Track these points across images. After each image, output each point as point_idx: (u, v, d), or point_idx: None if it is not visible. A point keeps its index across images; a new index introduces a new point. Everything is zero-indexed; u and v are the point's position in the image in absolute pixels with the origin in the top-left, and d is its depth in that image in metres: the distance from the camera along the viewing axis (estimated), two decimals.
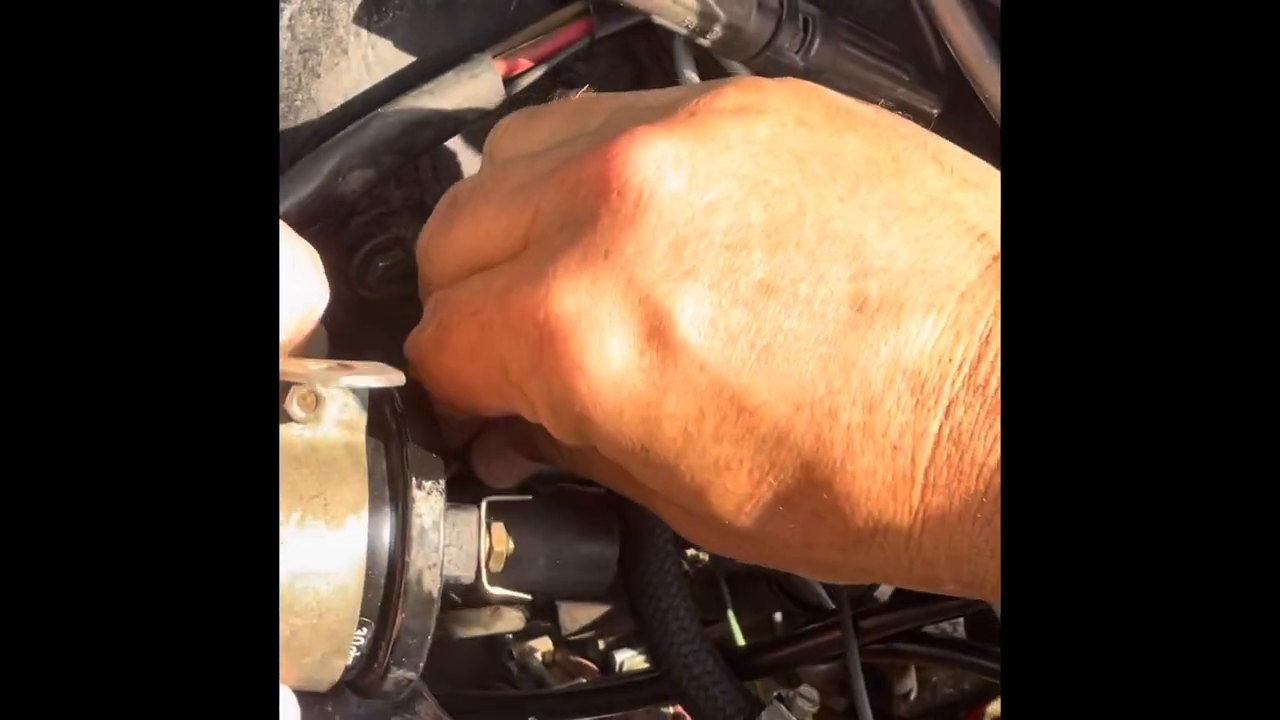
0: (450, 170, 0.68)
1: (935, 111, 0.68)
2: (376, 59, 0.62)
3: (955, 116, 0.68)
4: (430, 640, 0.51)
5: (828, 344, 0.47)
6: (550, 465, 0.60)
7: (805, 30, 0.62)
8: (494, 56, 0.62)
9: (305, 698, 0.56)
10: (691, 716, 0.68)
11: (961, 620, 0.77)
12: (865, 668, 0.75)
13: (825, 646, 0.69)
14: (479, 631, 0.80)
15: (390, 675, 0.51)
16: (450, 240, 0.54)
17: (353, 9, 0.60)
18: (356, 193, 0.61)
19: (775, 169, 0.49)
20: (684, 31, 0.61)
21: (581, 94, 0.58)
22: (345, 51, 0.61)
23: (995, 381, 0.46)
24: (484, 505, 0.54)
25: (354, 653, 0.50)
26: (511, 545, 0.55)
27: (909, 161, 0.50)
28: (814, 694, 0.66)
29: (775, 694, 0.66)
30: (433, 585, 0.50)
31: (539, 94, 0.64)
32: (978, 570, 0.48)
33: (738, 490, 0.49)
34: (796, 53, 0.63)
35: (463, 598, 0.56)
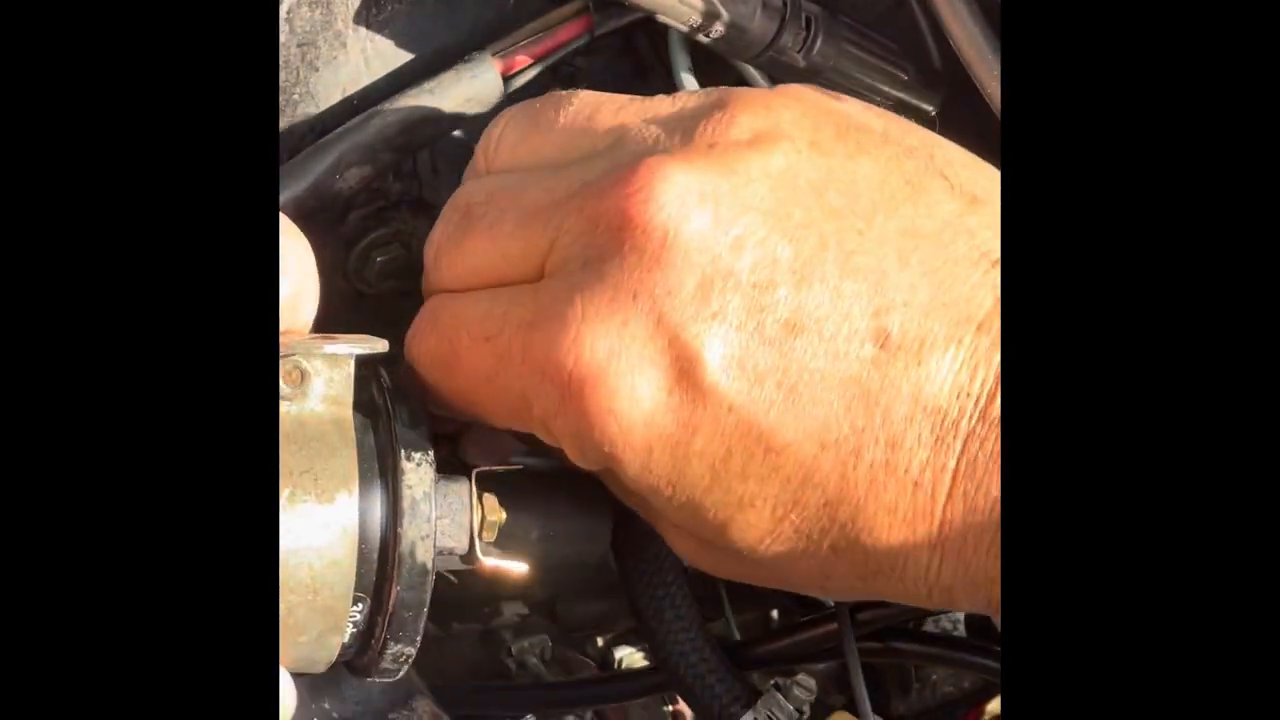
0: (450, 166, 0.68)
1: (933, 110, 0.68)
2: (375, 53, 0.62)
3: (953, 115, 0.68)
4: (426, 613, 0.51)
5: (852, 383, 0.47)
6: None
7: (808, 29, 0.62)
8: (493, 53, 0.62)
9: (303, 693, 0.56)
10: (689, 705, 0.68)
11: (961, 617, 0.77)
12: (863, 667, 0.75)
13: (822, 639, 0.69)
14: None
15: (388, 650, 0.51)
16: (463, 252, 0.54)
17: (352, 3, 0.60)
18: (354, 189, 0.61)
19: (795, 202, 0.49)
20: (686, 29, 0.61)
21: (581, 95, 0.57)
22: (344, 45, 0.61)
23: None
24: (474, 476, 0.54)
25: (350, 629, 0.50)
26: (503, 515, 0.55)
27: (920, 183, 0.50)
28: (811, 682, 0.66)
29: (772, 682, 0.66)
30: (426, 557, 0.50)
31: (538, 91, 0.64)
32: (994, 595, 0.48)
33: (760, 526, 0.49)
34: (799, 52, 0.63)
35: (457, 575, 0.56)
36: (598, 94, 0.56)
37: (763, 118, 0.51)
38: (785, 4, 0.62)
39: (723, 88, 0.54)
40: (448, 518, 0.53)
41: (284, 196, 0.60)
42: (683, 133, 0.51)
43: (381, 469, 0.50)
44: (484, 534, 0.54)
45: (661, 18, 0.60)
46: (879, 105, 0.57)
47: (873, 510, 0.48)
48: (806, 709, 0.66)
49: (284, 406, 0.48)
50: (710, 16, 0.60)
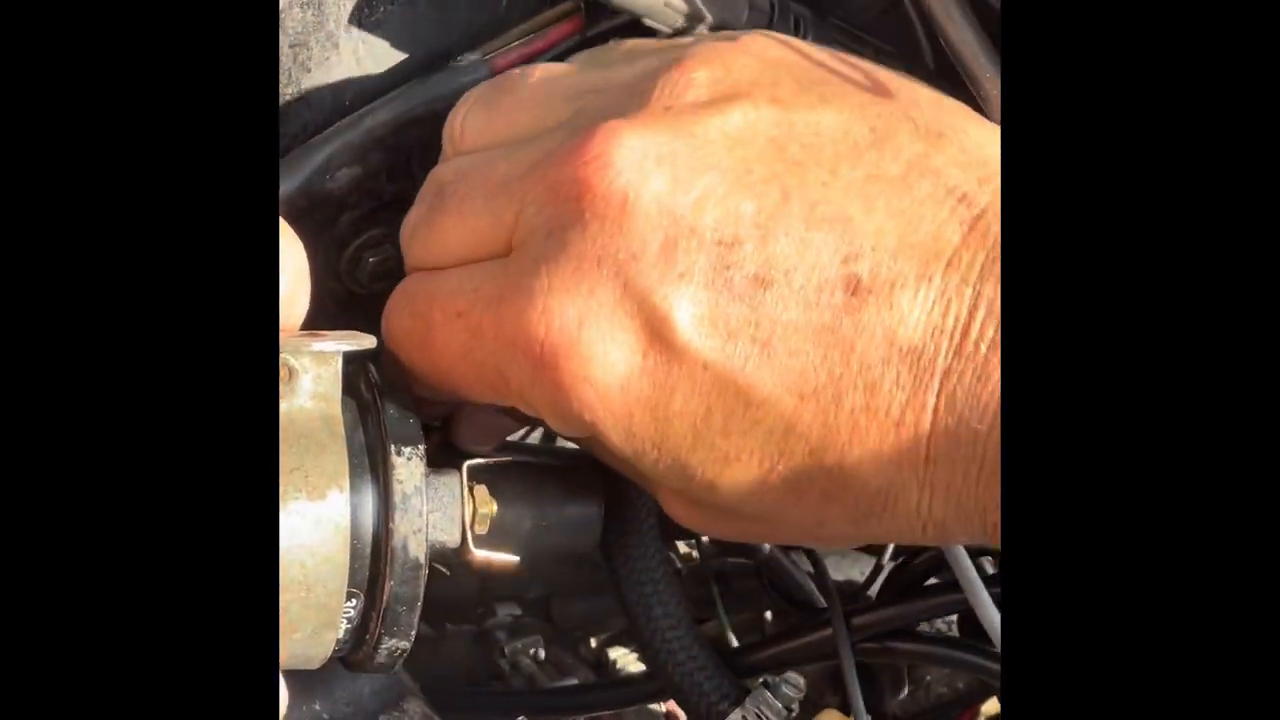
0: None
1: None
2: (367, 54, 0.62)
3: None
4: (420, 607, 0.51)
5: (826, 331, 0.48)
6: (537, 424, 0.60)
7: (796, 31, 0.62)
8: (485, 54, 0.62)
9: (293, 693, 0.56)
10: (678, 703, 0.68)
11: (955, 619, 0.77)
12: (858, 667, 0.75)
13: (818, 644, 0.69)
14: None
15: (382, 645, 0.51)
16: (435, 230, 0.54)
17: (344, 4, 0.60)
18: (344, 189, 0.61)
19: (755, 159, 0.49)
20: (670, 32, 0.61)
21: (539, 69, 0.57)
22: (336, 46, 0.61)
23: (983, 347, 0.47)
24: (465, 469, 0.54)
25: (344, 625, 0.50)
26: (494, 507, 0.55)
27: (884, 129, 0.50)
28: (800, 680, 0.66)
29: (761, 680, 0.66)
30: (419, 551, 0.50)
31: None
32: (988, 523, 0.48)
33: (748, 480, 0.50)
34: None
35: (450, 568, 0.56)
36: (555, 65, 0.57)
37: (720, 75, 0.51)
38: (773, 6, 0.62)
39: (681, 43, 0.55)
40: (439, 511, 0.53)
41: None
42: (639, 96, 0.51)
43: (372, 464, 0.50)
44: (476, 526, 0.54)
45: (648, 21, 0.60)
46: None
47: (858, 454, 0.48)
48: (795, 707, 0.66)
49: None
50: (695, 19, 0.60)
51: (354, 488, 0.49)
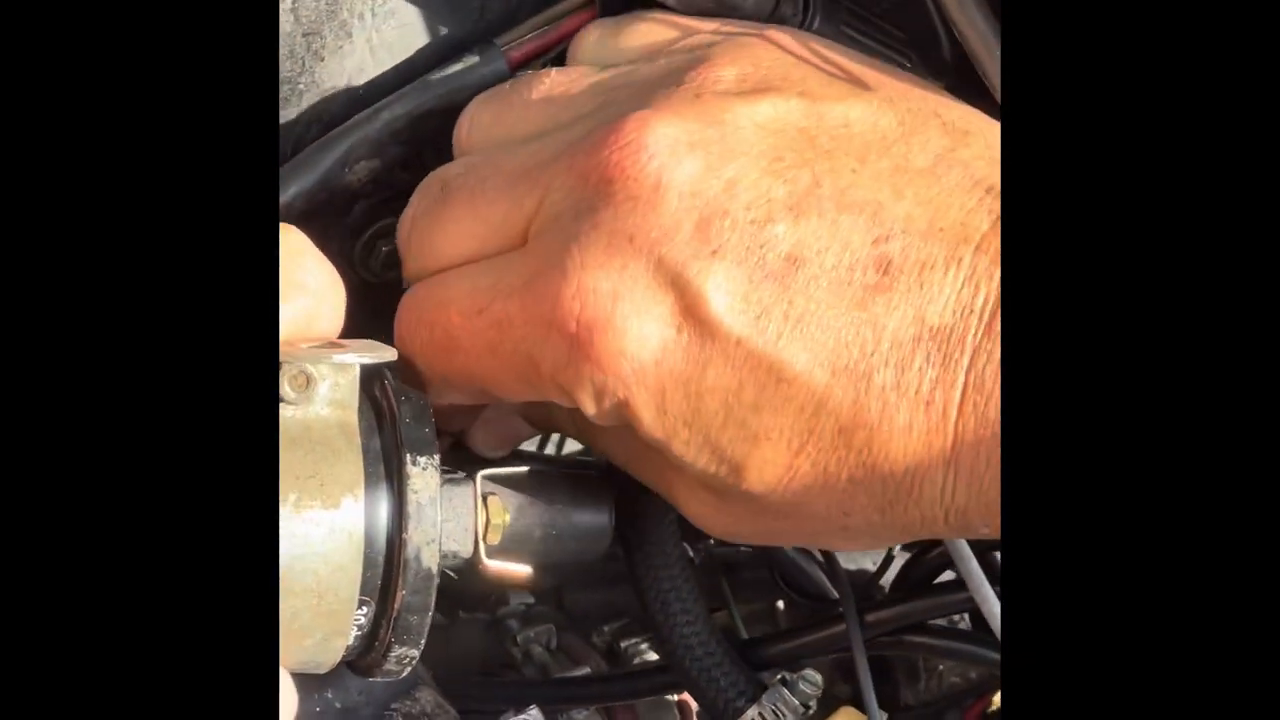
0: None
1: None
2: (381, 43, 0.62)
3: None
4: (430, 617, 0.50)
5: (858, 308, 0.48)
6: (557, 431, 0.60)
7: (806, 10, 0.62)
8: (501, 44, 0.62)
9: (305, 683, 0.56)
10: (694, 698, 0.68)
11: (966, 615, 0.77)
12: (871, 657, 0.75)
13: (831, 639, 0.69)
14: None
15: (392, 653, 0.51)
16: (440, 225, 0.54)
17: None
18: (362, 181, 0.61)
19: (785, 147, 0.50)
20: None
21: (555, 70, 0.57)
22: (349, 35, 0.61)
23: None
24: (479, 479, 0.54)
25: (355, 632, 0.50)
26: (507, 517, 0.55)
27: (913, 123, 0.51)
28: (818, 678, 0.66)
29: (779, 676, 0.66)
30: (431, 562, 0.49)
31: None
32: None
33: (777, 460, 0.50)
34: None
35: (460, 573, 0.56)
36: (570, 69, 0.57)
37: (749, 70, 0.52)
38: None
39: (703, 39, 0.55)
40: (452, 521, 0.54)
41: (293, 190, 0.59)
42: (666, 87, 0.52)
43: (387, 471, 0.50)
44: (488, 537, 0.54)
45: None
46: None
47: (887, 433, 0.48)
48: (813, 704, 0.66)
49: (289, 411, 0.48)
50: None
51: (368, 496, 0.49)
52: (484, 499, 0.55)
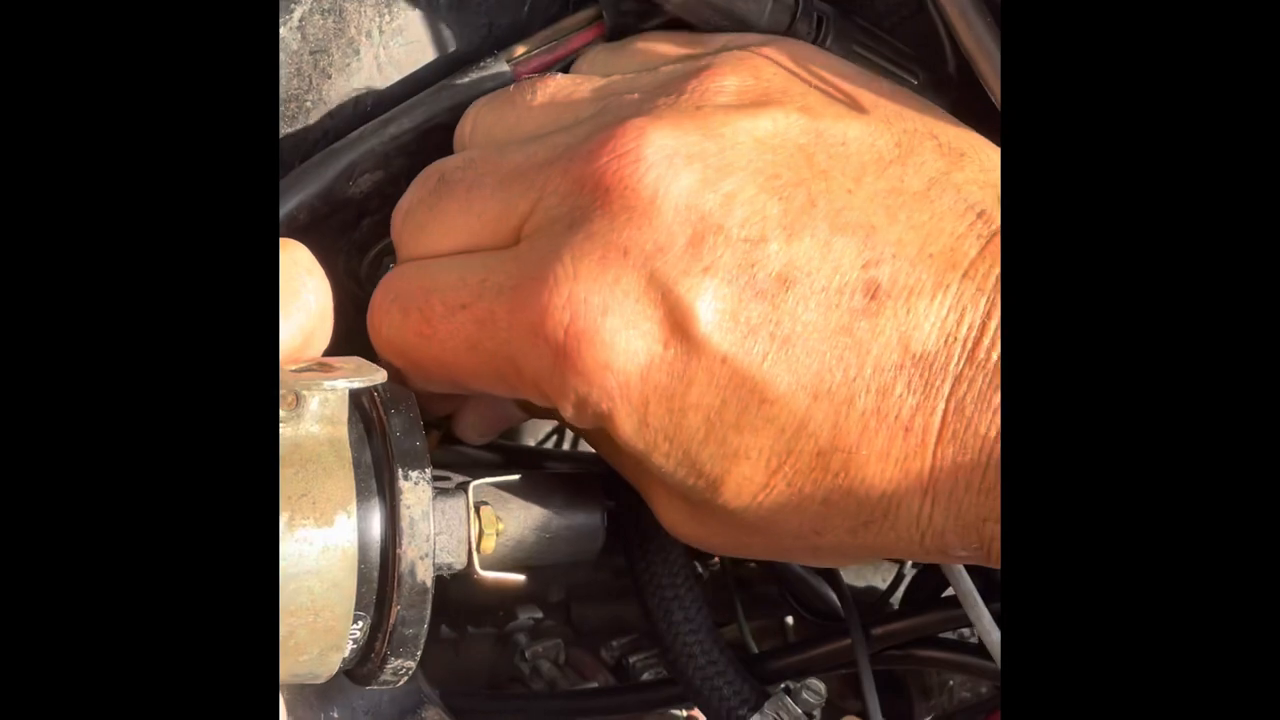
0: None
1: None
2: (388, 60, 0.61)
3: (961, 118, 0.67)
4: (426, 629, 0.50)
5: (843, 333, 0.48)
6: (546, 419, 0.60)
7: (818, 29, 0.62)
8: (507, 60, 0.61)
9: (310, 701, 0.56)
10: (698, 707, 0.68)
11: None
12: (884, 673, 0.75)
13: (839, 652, 0.69)
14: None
15: (388, 665, 0.51)
16: (434, 215, 0.54)
17: (365, 10, 0.60)
18: (366, 194, 0.61)
19: (783, 164, 0.50)
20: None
21: (558, 76, 0.57)
22: (356, 52, 0.61)
23: (995, 355, 0.47)
24: (471, 489, 0.54)
25: (351, 645, 0.50)
26: (501, 526, 0.55)
27: (909, 144, 0.51)
28: (821, 687, 0.66)
29: (782, 685, 0.66)
30: (426, 575, 0.50)
31: None
32: (984, 535, 0.49)
33: (755, 479, 0.50)
34: None
35: (461, 585, 0.56)
36: (574, 75, 0.57)
37: (750, 82, 0.52)
38: (797, 1, 0.61)
39: (704, 50, 0.55)
40: (446, 534, 0.53)
41: (295, 201, 0.59)
42: (668, 95, 0.52)
43: (379, 485, 0.50)
44: (482, 546, 0.54)
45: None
46: None
47: (864, 457, 0.48)
48: (817, 714, 0.65)
49: (280, 429, 0.48)
50: (722, 13, 0.59)
51: (361, 512, 0.49)
52: (477, 509, 0.54)
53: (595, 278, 0.49)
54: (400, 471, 0.50)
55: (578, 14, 0.62)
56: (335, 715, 0.58)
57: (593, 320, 0.48)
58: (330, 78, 0.60)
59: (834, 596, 0.74)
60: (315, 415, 0.49)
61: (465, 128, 0.58)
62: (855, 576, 0.82)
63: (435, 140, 0.61)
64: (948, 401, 0.48)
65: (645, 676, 0.79)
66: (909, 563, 0.79)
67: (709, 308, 0.48)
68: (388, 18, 0.61)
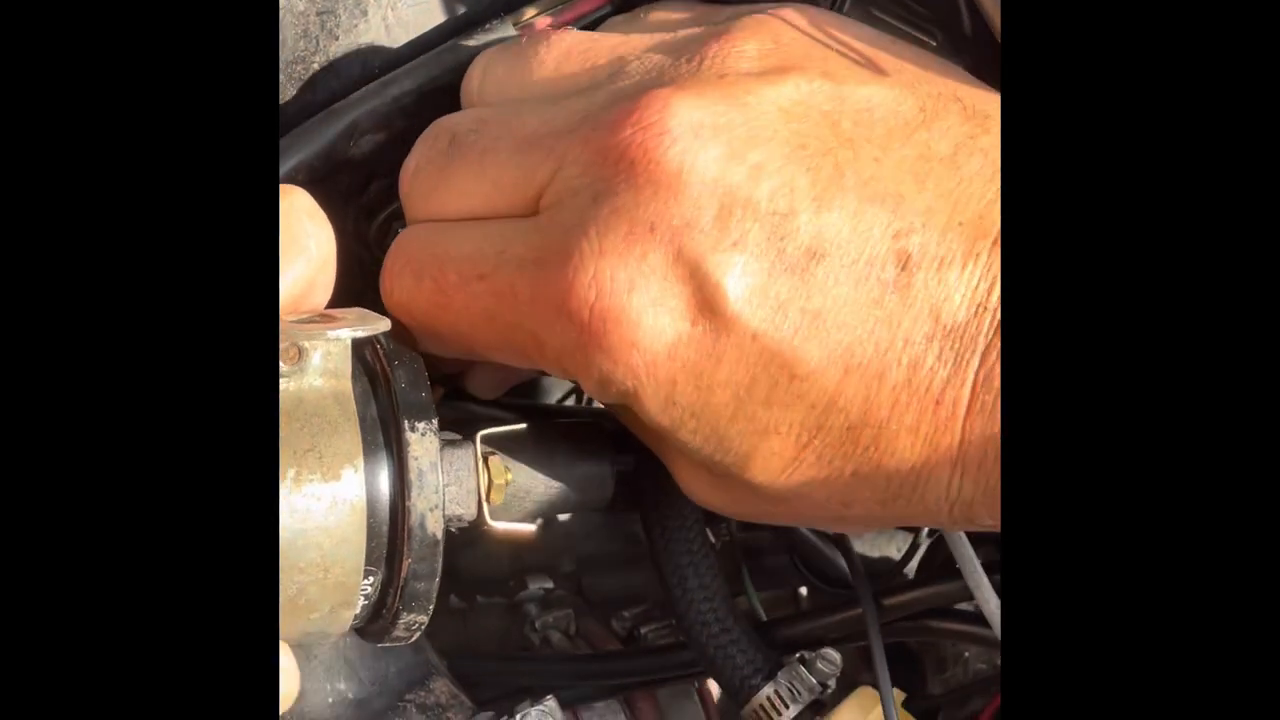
0: None
1: None
2: (396, 21, 0.61)
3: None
4: (438, 582, 0.50)
5: (874, 306, 0.47)
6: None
7: None
8: (514, 21, 0.61)
9: (318, 673, 0.55)
10: (711, 676, 0.68)
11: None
12: (897, 645, 0.74)
13: (849, 622, 0.68)
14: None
15: (400, 620, 0.51)
16: (446, 179, 0.53)
17: None
18: (367, 156, 0.60)
19: (809, 133, 0.48)
20: None
21: (573, 32, 0.56)
22: (364, 13, 0.60)
23: None
24: (478, 439, 0.54)
25: (362, 601, 0.50)
26: (509, 476, 0.55)
27: (934, 108, 0.50)
28: (836, 656, 0.65)
29: (797, 655, 0.65)
30: (436, 528, 0.49)
31: None
32: None
33: (784, 454, 0.49)
34: None
35: (471, 542, 0.56)
36: (588, 32, 0.56)
37: (770, 47, 0.51)
38: None
39: (721, 13, 0.54)
40: (455, 485, 0.53)
41: (294, 161, 0.59)
42: (688, 62, 0.51)
43: (385, 439, 0.49)
44: (492, 497, 0.54)
45: None
46: None
47: (895, 431, 0.48)
48: (831, 683, 0.65)
49: (283, 384, 0.48)
50: None
51: (368, 466, 0.48)
52: (484, 459, 0.54)
53: (621, 254, 0.48)
54: (407, 424, 0.49)
55: None
56: (342, 687, 0.58)
57: (619, 298, 0.48)
58: (337, 39, 0.60)
59: (845, 565, 0.73)
60: (318, 369, 0.48)
61: (473, 80, 0.57)
62: (869, 546, 0.81)
63: (437, 102, 0.60)
64: (977, 373, 0.47)
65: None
66: (924, 531, 0.78)
67: (738, 283, 0.47)
68: None
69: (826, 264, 0.47)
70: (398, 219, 0.63)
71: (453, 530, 0.54)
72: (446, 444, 0.53)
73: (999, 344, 0.47)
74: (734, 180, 0.48)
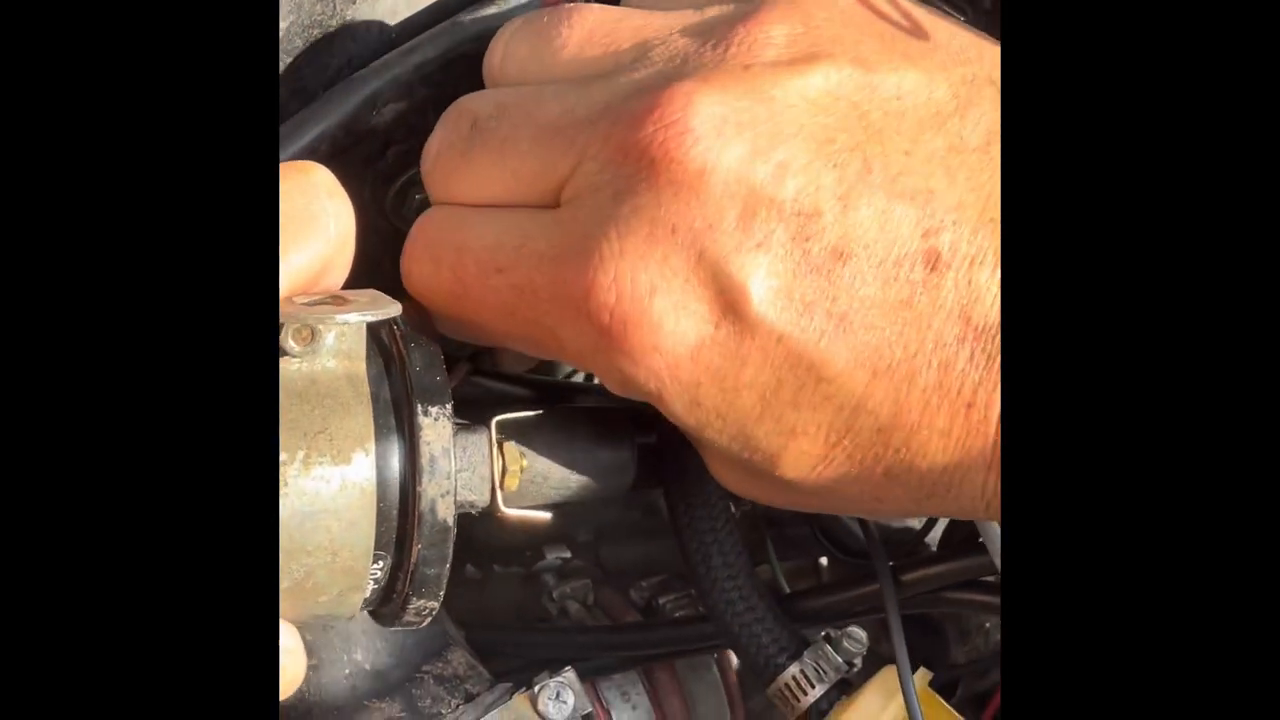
0: None
1: None
2: None
3: None
4: (449, 568, 0.49)
5: (903, 307, 0.46)
6: None
7: None
8: None
9: (335, 645, 0.55)
10: (736, 654, 0.67)
11: None
12: (919, 616, 0.74)
13: (871, 595, 0.68)
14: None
15: (410, 605, 0.50)
16: (467, 165, 0.52)
17: None
18: (389, 124, 0.59)
19: (837, 126, 0.47)
20: None
21: (595, 9, 0.55)
22: None
23: None
24: (493, 424, 0.53)
25: (371, 585, 0.49)
26: (525, 462, 0.54)
27: (967, 94, 0.49)
28: (862, 635, 0.64)
29: (822, 633, 0.64)
30: (447, 514, 0.48)
31: None
32: None
33: (813, 453, 0.49)
34: None
35: (486, 524, 0.55)
36: (612, 9, 0.54)
37: (799, 31, 0.50)
38: None
39: None
40: (468, 470, 0.52)
41: (316, 132, 0.58)
42: (713, 49, 0.49)
43: (398, 421, 0.49)
44: (506, 483, 0.53)
45: None
46: None
47: (926, 434, 0.47)
48: (858, 661, 0.64)
49: (294, 364, 0.47)
50: None
51: (380, 450, 0.48)
52: (499, 445, 0.53)
53: (642, 256, 0.47)
54: (420, 407, 0.49)
55: None
56: (359, 658, 0.57)
57: (640, 302, 0.47)
58: (354, 2, 0.59)
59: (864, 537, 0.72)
60: (332, 350, 0.47)
61: (495, 58, 0.56)
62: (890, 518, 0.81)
63: (460, 70, 0.60)
64: None
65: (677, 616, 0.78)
66: None
67: (762, 285, 0.47)
68: None
69: (853, 264, 0.47)
70: (414, 186, 0.63)
71: (468, 515, 0.53)
72: (461, 428, 0.53)
73: None
74: (758, 180, 0.47)
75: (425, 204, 0.61)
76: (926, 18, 0.52)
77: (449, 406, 0.49)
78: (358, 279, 0.51)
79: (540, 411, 0.56)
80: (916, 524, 0.79)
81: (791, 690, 0.63)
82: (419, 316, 0.53)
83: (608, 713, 0.69)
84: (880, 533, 0.73)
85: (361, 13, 0.59)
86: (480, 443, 0.53)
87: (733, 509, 0.64)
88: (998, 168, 0.47)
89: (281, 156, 0.56)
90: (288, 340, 0.47)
